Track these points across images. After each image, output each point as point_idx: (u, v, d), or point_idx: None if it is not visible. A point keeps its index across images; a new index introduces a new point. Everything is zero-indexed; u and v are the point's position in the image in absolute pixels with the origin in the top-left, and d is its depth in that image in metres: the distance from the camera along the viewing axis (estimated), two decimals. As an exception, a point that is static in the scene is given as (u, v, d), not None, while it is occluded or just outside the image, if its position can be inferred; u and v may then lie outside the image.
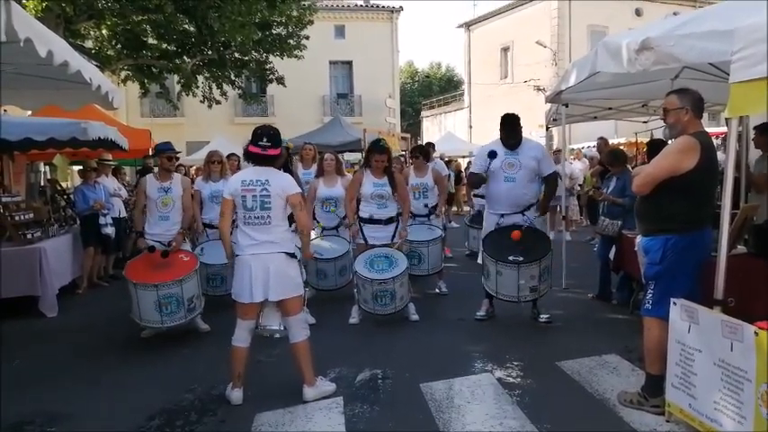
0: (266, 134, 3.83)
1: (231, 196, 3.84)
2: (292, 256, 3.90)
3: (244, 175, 3.86)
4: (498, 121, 5.56)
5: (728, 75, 3.06)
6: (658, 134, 10.01)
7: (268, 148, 3.79)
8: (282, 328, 3.90)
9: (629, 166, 6.34)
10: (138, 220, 5.75)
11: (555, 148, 12.25)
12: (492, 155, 5.35)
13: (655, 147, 5.46)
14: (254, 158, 3.84)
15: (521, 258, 5.18)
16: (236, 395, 3.87)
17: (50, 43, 3.58)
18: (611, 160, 6.39)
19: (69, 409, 3.90)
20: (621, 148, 10.02)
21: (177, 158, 5.77)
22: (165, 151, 5.66)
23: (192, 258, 5.43)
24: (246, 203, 3.77)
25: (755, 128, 5.36)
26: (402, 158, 10.22)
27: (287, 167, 5.31)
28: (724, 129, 9.29)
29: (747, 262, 4.01)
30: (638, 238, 3.79)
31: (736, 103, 3.03)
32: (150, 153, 10.00)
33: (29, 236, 6.63)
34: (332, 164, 6.44)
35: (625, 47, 3.93)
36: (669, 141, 3.95)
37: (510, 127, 5.49)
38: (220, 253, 6.05)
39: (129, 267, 5.31)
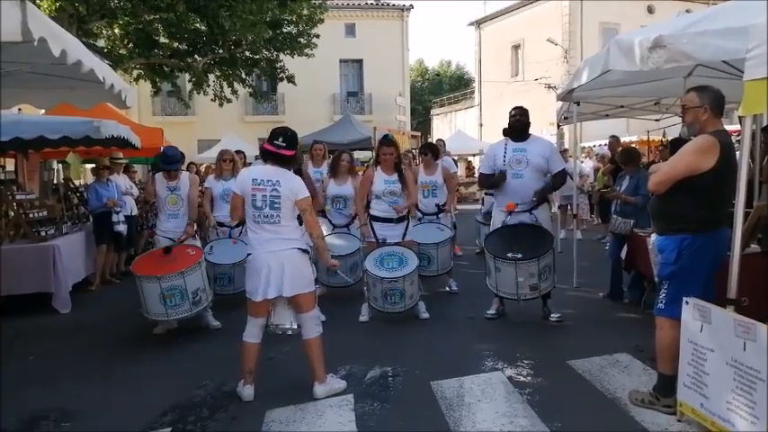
0: (283, 134, 3.86)
1: (241, 192, 3.86)
2: (304, 251, 3.91)
3: (254, 173, 3.87)
4: (507, 119, 5.55)
5: (742, 72, 3.04)
6: (671, 132, 9.98)
7: (282, 148, 3.82)
8: (295, 326, 3.92)
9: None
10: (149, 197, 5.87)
11: (563, 147, 12.18)
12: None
13: (678, 145, 5.40)
14: (268, 156, 3.86)
15: (519, 255, 5.17)
16: (247, 392, 3.89)
17: (64, 42, 3.60)
18: (624, 159, 6.35)
19: (83, 404, 3.94)
20: (634, 146, 9.96)
21: (179, 170, 5.83)
22: (167, 165, 5.71)
23: (198, 252, 5.48)
24: (256, 202, 3.78)
25: (763, 129, 5.29)
26: (411, 155, 10.19)
27: (298, 167, 5.32)
28: (736, 127, 9.21)
29: (761, 261, 3.97)
30: (653, 237, 3.77)
31: (751, 101, 3.01)
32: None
33: (42, 233, 6.70)
34: (347, 165, 6.48)
35: (638, 45, 3.91)
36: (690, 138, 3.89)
37: (517, 111, 5.47)
38: (228, 252, 6.16)
39: (136, 262, 5.42)
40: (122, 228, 7.90)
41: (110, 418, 3.73)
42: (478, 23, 32.93)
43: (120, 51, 13.63)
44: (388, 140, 5.81)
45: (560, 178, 5.54)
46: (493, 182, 5.57)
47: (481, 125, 31.61)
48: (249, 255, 3.90)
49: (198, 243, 5.88)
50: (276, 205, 3.77)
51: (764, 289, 3.72)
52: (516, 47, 29.59)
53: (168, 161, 5.74)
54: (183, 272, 5.10)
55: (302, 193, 3.84)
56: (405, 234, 5.70)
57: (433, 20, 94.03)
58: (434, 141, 10.28)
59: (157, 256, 5.43)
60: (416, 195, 5.98)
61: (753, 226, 4.14)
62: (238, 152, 7.59)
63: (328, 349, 4.07)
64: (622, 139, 12.38)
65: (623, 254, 5.88)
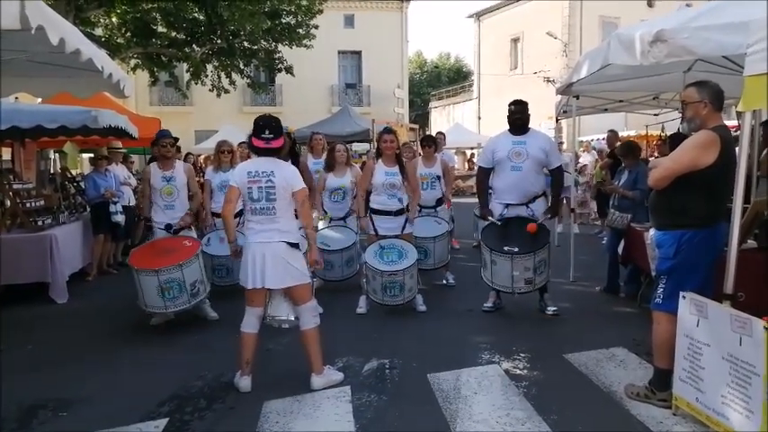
0: (268, 126, 3.85)
1: (237, 186, 3.88)
2: (295, 246, 3.91)
3: (249, 167, 3.88)
4: (507, 112, 5.54)
5: (742, 68, 3.04)
6: (669, 127, 9.97)
7: (271, 140, 3.83)
8: (292, 318, 3.93)
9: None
10: (145, 207, 5.85)
11: (560, 140, 12.23)
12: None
13: (677, 140, 5.39)
14: (258, 151, 3.87)
15: (515, 249, 5.18)
16: (244, 383, 3.90)
17: (62, 31, 3.58)
18: (624, 153, 6.36)
19: (80, 393, 3.95)
20: (632, 140, 9.95)
21: (173, 145, 5.76)
22: (161, 138, 5.67)
23: (195, 244, 5.46)
24: (252, 195, 3.81)
25: (762, 124, 5.29)
26: (413, 146, 10.19)
27: (294, 154, 5.29)
28: (734, 122, 9.21)
29: (758, 257, 3.99)
30: (651, 232, 3.78)
31: (750, 97, 3.00)
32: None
33: (39, 223, 6.68)
34: (344, 155, 6.46)
35: (638, 39, 3.90)
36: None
37: (518, 108, 5.47)
38: (226, 244, 6.13)
39: (132, 255, 5.37)
40: (120, 218, 7.89)
41: (107, 408, 3.73)
42: (478, 16, 32.88)
43: (118, 40, 13.56)
44: (387, 129, 5.84)
45: (559, 177, 5.55)
46: (481, 199, 5.76)
47: (479, 118, 31.58)
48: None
49: (194, 234, 5.85)
50: (272, 197, 3.78)
51: (761, 284, 3.73)
52: (515, 40, 29.55)
53: (161, 135, 5.71)
54: (181, 264, 5.08)
55: (298, 185, 3.85)
56: (404, 227, 5.69)
57: (433, 12, 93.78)
58: (435, 134, 10.26)
59: (154, 248, 5.41)
60: (419, 190, 5.97)
61: (750, 221, 4.15)
62: (242, 143, 7.54)
63: (325, 341, 4.08)
64: (621, 134, 12.38)
65: (620, 248, 5.90)
